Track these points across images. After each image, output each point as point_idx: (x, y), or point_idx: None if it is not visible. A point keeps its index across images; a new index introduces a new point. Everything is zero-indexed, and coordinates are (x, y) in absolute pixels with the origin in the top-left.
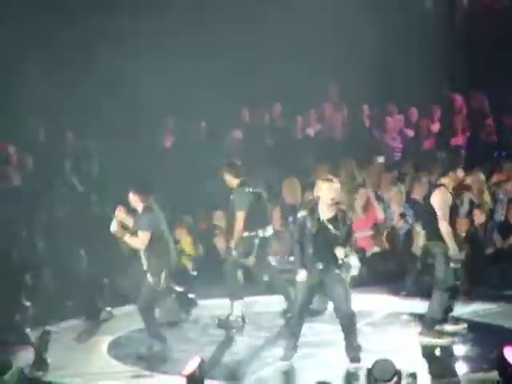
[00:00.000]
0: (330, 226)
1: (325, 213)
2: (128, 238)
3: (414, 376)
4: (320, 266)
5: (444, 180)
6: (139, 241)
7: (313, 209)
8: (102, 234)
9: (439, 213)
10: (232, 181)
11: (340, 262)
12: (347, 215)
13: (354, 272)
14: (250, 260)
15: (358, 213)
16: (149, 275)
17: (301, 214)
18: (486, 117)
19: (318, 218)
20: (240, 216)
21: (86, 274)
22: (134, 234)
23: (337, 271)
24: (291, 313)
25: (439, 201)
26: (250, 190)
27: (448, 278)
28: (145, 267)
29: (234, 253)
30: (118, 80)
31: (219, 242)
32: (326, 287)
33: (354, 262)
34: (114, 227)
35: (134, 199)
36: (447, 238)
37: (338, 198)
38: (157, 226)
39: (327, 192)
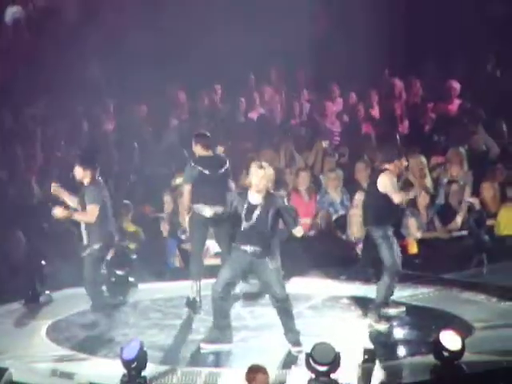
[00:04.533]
0: (258, 211)
1: (254, 198)
2: (77, 215)
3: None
4: (249, 249)
5: (389, 166)
6: (89, 214)
7: (243, 194)
8: (40, 216)
9: (390, 191)
10: (200, 152)
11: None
12: (276, 200)
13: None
14: None
15: (304, 197)
16: (89, 249)
17: (232, 197)
18: (424, 102)
19: (248, 203)
20: (185, 189)
21: (25, 257)
22: (79, 207)
23: (266, 259)
24: (213, 291)
25: (387, 182)
26: (200, 168)
27: (394, 262)
28: (85, 241)
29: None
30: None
31: (165, 227)
32: (257, 273)
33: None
34: (58, 213)
35: (82, 172)
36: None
37: (271, 185)
38: (103, 199)
39: (260, 179)
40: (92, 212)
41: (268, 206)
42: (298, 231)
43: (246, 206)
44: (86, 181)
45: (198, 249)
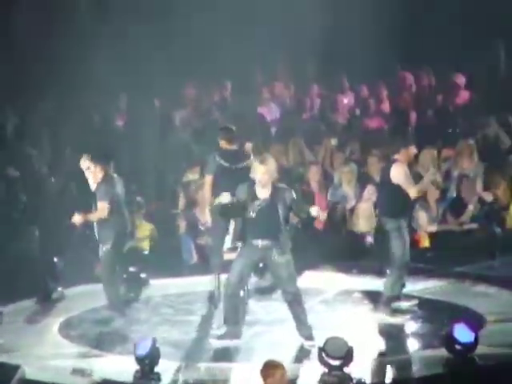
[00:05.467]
0: (266, 205)
1: (261, 193)
2: (91, 216)
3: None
4: (260, 243)
5: (398, 156)
6: (99, 211)
7: (252, 188)
8: (54, 214)
9: (404, 182)
10: (224, 146)
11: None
12: (285, 194)
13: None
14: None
15: (314, 191)
16: (102, 246)
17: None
18: (435, 94)
19: (257, 197)
20: (206, 180)
21: (38, 255)
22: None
23: (276, 252)
24: (225, 287)
25: (400, 172)
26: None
27: (404, 253)
28: (97, 237)
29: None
30: (72, 57)
31: (181, 223)
32: (269, 267)
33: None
34: (77, 219)
35: (93, 169)
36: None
37: (275, 177)
38: (113, 195)
39: (263, 175)
40: (101, 209)
41: (276, 200)
42: (315, 210)
43: (255, 200)
44: (99, 177)
45: (219, 242)
